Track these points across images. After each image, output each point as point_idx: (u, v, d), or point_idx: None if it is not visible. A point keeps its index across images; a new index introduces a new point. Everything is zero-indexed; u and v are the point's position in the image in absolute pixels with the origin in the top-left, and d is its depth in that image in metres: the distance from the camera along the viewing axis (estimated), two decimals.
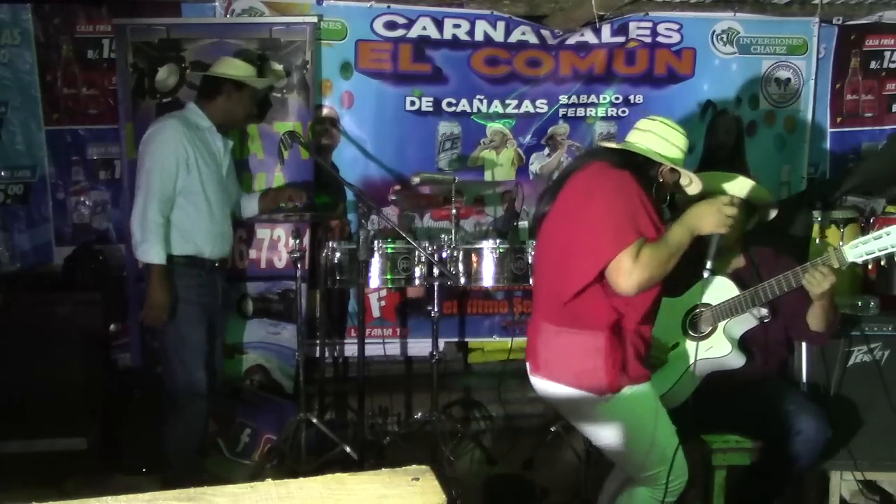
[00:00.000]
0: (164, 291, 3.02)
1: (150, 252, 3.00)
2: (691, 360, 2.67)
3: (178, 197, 3.07)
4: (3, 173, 3.84)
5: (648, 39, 4.06)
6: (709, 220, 2.19)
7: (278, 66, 3.66)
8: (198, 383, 3.10)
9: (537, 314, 2.42)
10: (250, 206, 3.51)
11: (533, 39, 3.99)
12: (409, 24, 3.88)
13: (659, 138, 2.36)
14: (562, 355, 2.27)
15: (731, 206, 2.20)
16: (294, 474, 1.80)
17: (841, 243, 2.55)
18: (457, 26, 3.92)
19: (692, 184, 2.37)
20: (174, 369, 3.11)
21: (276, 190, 3.64)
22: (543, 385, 2.34)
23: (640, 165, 2.29)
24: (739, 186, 2.78)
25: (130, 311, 3.68)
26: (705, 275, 2.32)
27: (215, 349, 3.28)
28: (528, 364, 2.42)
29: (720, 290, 2.69)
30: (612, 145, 2.44)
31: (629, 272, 2.07)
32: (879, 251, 2.37)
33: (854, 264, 2.44)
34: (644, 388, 2.27)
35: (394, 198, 3.96)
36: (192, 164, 3.08)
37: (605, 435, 2.30)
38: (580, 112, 4.11)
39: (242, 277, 3.79)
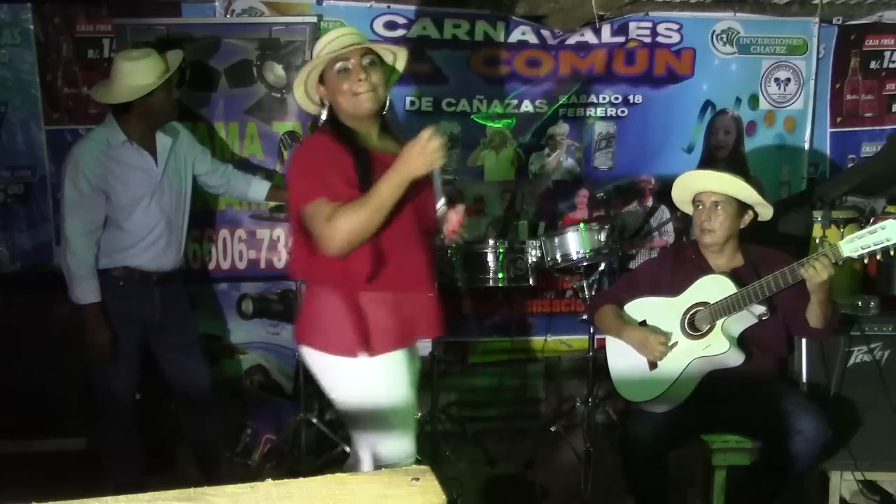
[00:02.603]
0: (102, 330, 2.86)
1: (76, 294, 2.86)
2: (689, 359, 2.68)
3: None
4: (3, 173, 3.83)
5: (648, 39, 4.07)
6: (417, 161, 1.97)
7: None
8: (116, 396, 2.95)
9: None
10: (255, 190, 3.35)
11: (533, 39, 4.00)
12: (409, 24, 3.88)
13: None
14: (307, 315, 2.19)
15: (435, 137, 1.96)
16: (294, 474, 1.80)
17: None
18: (457, 26, 3.92)
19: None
20: (96, 381, 2.98)
21: None
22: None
23: (331, 118, 2.14)
24: (726, 184, 2.78)
25: None
26: (439, 207, 2.03)
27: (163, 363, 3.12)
28: None
29: (718, 288, 2.69)
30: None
31: (326, 237, 1.97)
32: (875, 245, 2.38)
33: (850, 259, 2.45)
34: (381, 360, 2.09)
35: None
36: (110, 190, 2.87)
37: (336, 398, 2.19)
38: (580, 112, 4.12)
39: (242, 278, 3.80)
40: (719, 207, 2.75)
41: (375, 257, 2.04)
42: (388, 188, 1.97)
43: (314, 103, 2.18)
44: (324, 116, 2.13)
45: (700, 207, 2.79)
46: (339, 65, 2.07)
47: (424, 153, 1.96)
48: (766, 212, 2.83)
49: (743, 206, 2.79)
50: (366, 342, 2.07)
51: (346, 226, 1.95)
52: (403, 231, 2.07)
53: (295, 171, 2.11)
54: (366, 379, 2.11)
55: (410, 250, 2.10)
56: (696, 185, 2.82)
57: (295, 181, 2.09)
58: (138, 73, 2.89)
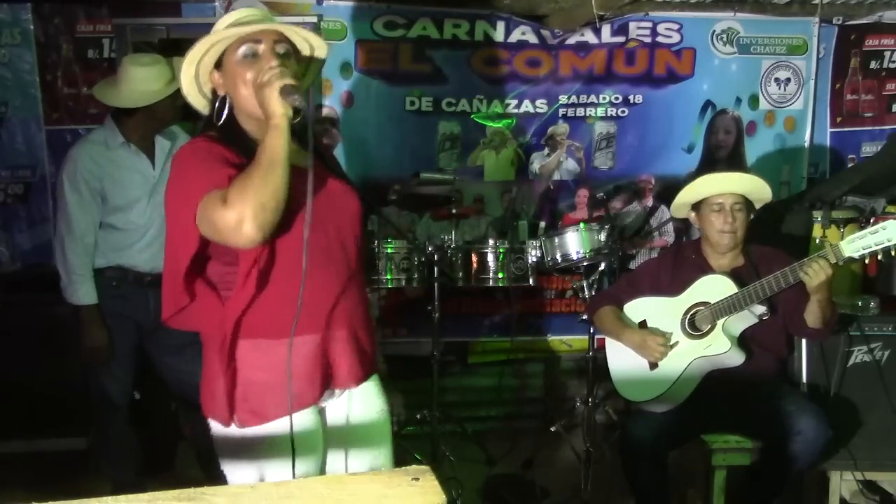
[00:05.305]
0: (98, 331, 2.87)
1: (77, 295, 2.85)
2: (690, 359, 2.69)
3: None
4: (3, 173, 3.83)
5: (648, 39, 4.07)
6: (264, 89, 1.56)
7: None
8: (111, 396, 2.95)
9: None
10: None
11: (533, 39, 4.00)
12: (409, 24, 3.88)
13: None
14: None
15: (272, 57, 1.63)
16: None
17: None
18: (457, 26, 3.92)
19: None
20: (91, 381, 2.98)
21: None
22: None
23: (225, 122, 1.71)
24: (752, 185, 2.79)
25: None
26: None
27: (155, 366, 3.08)
28: None
29: (718, 288, 2.69)
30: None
31: (232, 223, 1.49)
32: (876, 245, 2.38)
33: (852, 259, 2.45)
34: (251, 434, 1.67)
35: (394, 198, 3.96)
36: (106, 192, 2.87)
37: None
38: (580, 112, 4.12)
39: None
40: (739, 208, 2.76)
41: (252, 286, 1.63)
42: (270, 139, 1.54)
43: (203, 96, 1.75)
44: (225, 115, 1.69)
45: (719, 210, 2.77)
46: (245, 48, 1.65)
47: (270, 71, 1.58)
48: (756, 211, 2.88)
49: (750, 206, 2.82)
50: (234, 407, 1.67)
51: (246, 197, 1.49)
52: (310, 265, 1.57)
53: (170, 187, 1.65)
54: (241, 453, 1.70)
55: (318, 289, 1.65)
56: (722, 186, 2.79)
57: (171, 198, 1.63)
58: (148, 80, 2.88)
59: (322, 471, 1.77)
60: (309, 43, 1.81)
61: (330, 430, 1.80)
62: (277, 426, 1.64)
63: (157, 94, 2.86)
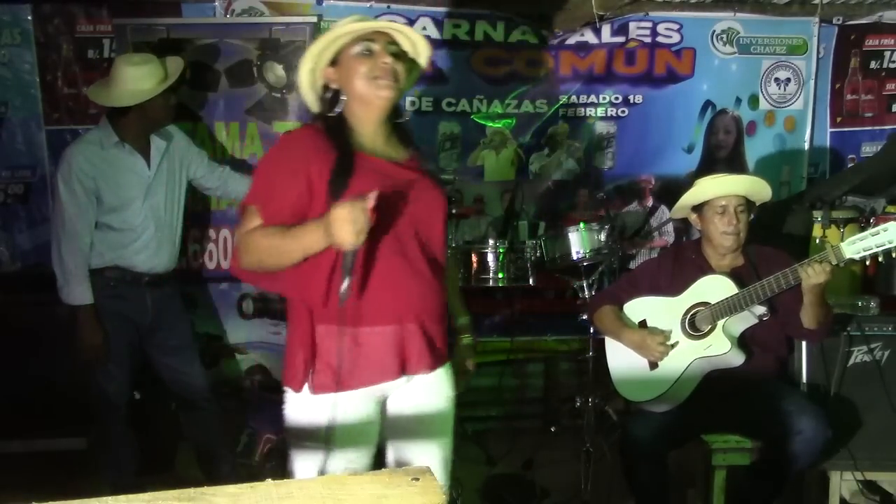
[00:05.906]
0: (94, 331, 2.87)
1: (73, 295, 2.85)
2: (690, 359, 2.69)
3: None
4: (3, 173, 3.83)
5: (648, 39, 4.07)
6: (344, 228, 1.60)
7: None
8: (110, 397, 2.96)
9: None
10: (241, 188, 3.29)
11: (533, 39, 4.00)
12: (409, 25, 3.86)
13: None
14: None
15: (365, 210, 1.61)
16: (294, 474, 1.80)
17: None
18: (457, 26, 3.92)
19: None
20: (90, 382, 2.98)
21: None
22: None
23: (335, 115, 1.91)
24: (741, 184, 2.80)
25: None
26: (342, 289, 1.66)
27: (158, 367, 3.10)
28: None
29: (718, 288, 2.70)
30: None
31: (238, 249, 1.78)
32: (877, 247, 2.39)
33: (852, 261, 2.45)
34: (314, 401, 1.78)
35: None
36: (101, 192, 2.87)
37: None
38: (580, 112, 4.12)
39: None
40: (742, 210, 2.77)
41: (332, 279, 1.74)
42: (311, 239, 1.68)
43: (314, 91, 1.92)
44: (335, 108, 1.88)
45: (722, 212, 2.78)
46: (361, 45, 1.85)
47: (355, 224, 1.60)
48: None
49: (750, 206, 2.83)
50: (307, 375, 1.77)
51: (253, 252, 1.74)
52: (385, 252, 1.76)
53: (261, 163, 1.89)
54: (301, 418, 1.81)
55: (391, 276, 1.78)
56: (724, 188, 2.79)
57: (255, 174, 1.85)
58: (139, 79, 2.90)
59: (374, 462, 1.88)
60: (415, 47, 1.95)
61: (397, 417, 1.91)
62: (346, 405, 1.77)
63: (147, 93, 2.88)
